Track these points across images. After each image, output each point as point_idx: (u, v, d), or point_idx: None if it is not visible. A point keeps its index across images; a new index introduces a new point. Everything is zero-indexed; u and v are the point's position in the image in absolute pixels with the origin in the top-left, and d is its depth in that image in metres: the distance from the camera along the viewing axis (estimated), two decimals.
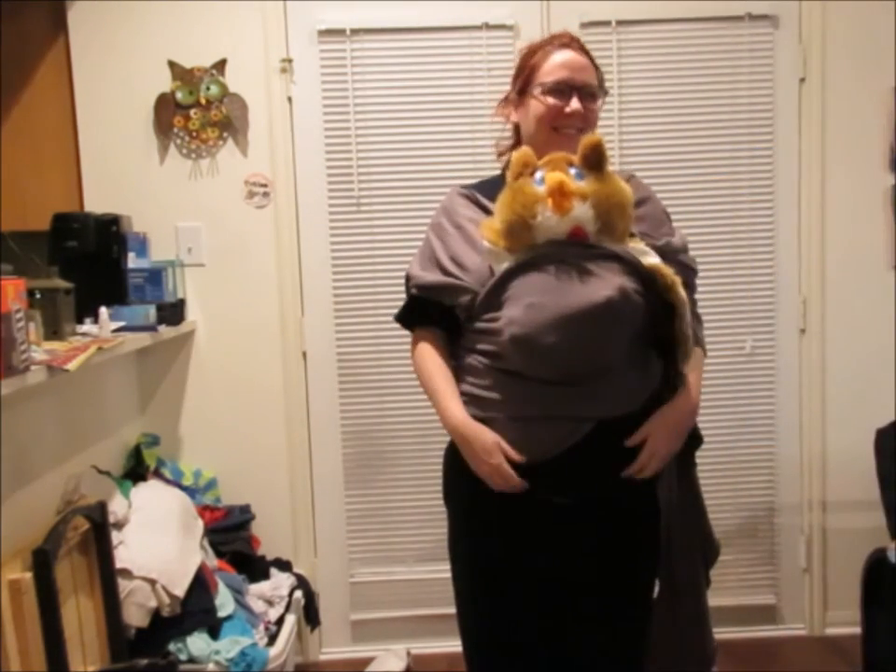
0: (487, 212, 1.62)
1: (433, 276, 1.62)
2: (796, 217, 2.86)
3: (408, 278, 1.70)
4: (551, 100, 1.59)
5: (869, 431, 2.57)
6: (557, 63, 1.61)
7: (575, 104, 1.59)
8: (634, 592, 1.66)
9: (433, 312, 1.64)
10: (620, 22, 2.77)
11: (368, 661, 2.80)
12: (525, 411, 1.52)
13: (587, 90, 1.61)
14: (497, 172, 1.75)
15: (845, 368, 2.88)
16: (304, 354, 2.87)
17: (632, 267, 1.49)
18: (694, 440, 1.73)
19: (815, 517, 2.93)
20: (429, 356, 1.65)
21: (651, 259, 1.51)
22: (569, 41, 1.65)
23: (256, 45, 2.77)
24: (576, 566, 1.60)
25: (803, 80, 2.82)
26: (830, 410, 2.90)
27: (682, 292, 1.51)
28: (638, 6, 2.78)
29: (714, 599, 1.86)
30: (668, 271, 1.51)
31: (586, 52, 1.65)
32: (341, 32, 2.76)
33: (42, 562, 1.75)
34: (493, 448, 1.52)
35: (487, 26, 2.76)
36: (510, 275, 1.50)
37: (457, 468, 1.62)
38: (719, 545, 1.82)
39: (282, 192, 2.81)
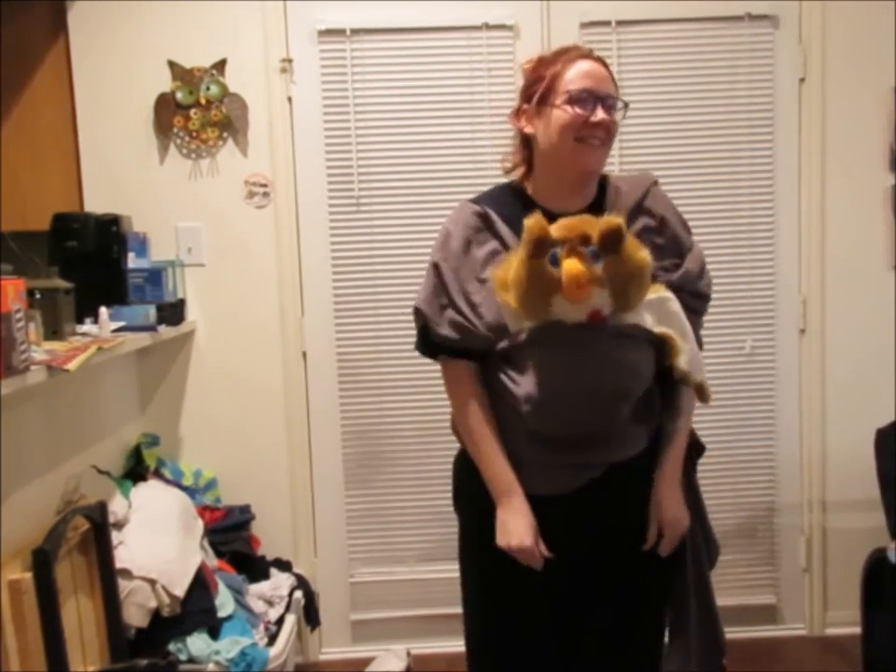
0: (502, 240, 1.58)
1: (449, 331, 1.58)
2: (796, 217, 2.86)
3: (417, 311, 1.63)
4: (577, 109, 1.55)
5: (869, 431, 2.56)
6: (582, 72, 1.56)
7: (601, 113, 1.55)
8: (646, 606, 1.67)
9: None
10: (620, 22, 2.77)
11: (368, 661, 2.80)
12: (540, 456, 1.57)
13: (610, 101, 1.58)
14: (505, 180, 1.71)
15: (845, 368, 2.88)
16: (304, 354, 2.86)
17: (644, 338, 1.53)
18: (696, 448, 1.74)
19: (815, 517, 2.93)
20: (477, 417, 1.61)
21: (662, 327, 1.55)
22: (588, 52, 1.62)
23: (256, 45, 2.76)
24: (588, 578, 1.62)
25: (803, 80, 2.82)
26: (830, 410, 2.90)
27: (683, 361, 1.55)
28: (638, 6, 2.78)
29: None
30: (675, 341, 1.55)
31: (605, 65, 1.62)
32: (341, 32, 2.76)
33: (42, 562, 1.75)
34: (521, 536, 1.56)
35: (487, 26, 2.76)
36: (527, 343, 1.52)
37: (468, 474, 1.63)
38: (719, 545, 1.84)
39: (282, 192, 2.81)
